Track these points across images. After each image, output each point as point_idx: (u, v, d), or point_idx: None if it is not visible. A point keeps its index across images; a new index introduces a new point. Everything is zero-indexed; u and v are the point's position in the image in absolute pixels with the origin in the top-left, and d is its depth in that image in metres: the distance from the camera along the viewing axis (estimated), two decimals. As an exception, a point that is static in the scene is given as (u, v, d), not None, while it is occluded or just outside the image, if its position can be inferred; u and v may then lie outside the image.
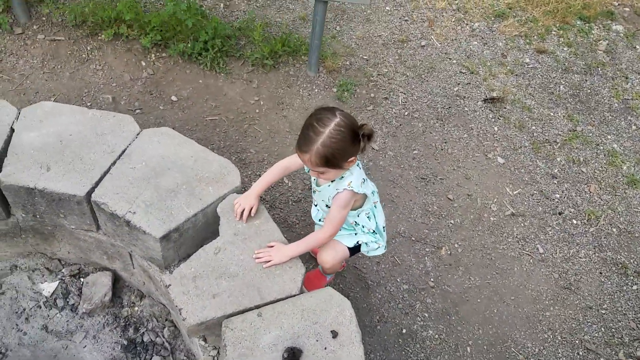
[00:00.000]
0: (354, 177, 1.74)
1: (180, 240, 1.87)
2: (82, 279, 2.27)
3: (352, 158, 1.67)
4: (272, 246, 1.80)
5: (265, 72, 3.28)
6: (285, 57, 3.35)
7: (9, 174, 1.91)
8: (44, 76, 3.08)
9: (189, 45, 3.16)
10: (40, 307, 2.22)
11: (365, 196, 1.84)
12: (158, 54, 3.27)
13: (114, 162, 1.97)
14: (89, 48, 3.23)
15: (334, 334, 1.60)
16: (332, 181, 1.77)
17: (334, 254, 1.95)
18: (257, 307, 1.64)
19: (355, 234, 1.99)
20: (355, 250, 2.00)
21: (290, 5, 3.78)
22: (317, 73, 3.31)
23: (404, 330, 2.36)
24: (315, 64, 3.26)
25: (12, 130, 2.07)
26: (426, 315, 2.42)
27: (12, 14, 3.26)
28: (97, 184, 1.90)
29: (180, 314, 1.61)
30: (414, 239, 2.66)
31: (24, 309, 2.21)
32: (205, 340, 1.77)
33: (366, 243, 2.00)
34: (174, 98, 3.08)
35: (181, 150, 2.04)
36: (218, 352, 1.76)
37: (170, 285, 1.67)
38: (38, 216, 2.02)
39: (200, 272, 1.71)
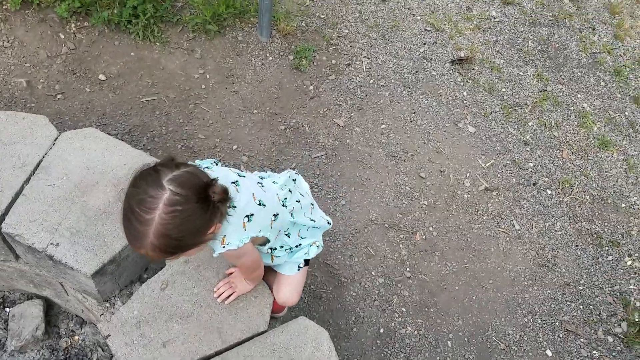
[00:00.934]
0: (229, 232, 1.27)
1: (119, 270, 1.56)
2: (7, 309, 1.93)
3: (212, 227, 1.20)
4: (229, 273, 1.53)
5: (209, 39, 2.87)
6: (232, 20, 2.93)
7: None
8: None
9: (115, 11, 2.69)
10: (-39, 346, 1.88)
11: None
12: (79, 23, 2.77)
13: (28, 179, 1.61)
14: (-8, 19, 2.70)
15: (312, 376, 1.38)
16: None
17: (291, 289, 1.57)
18: (218, 353, 1.38)
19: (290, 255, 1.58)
20: (306, 263, 1.65)
21: (231, -42, 3.30)
22: (270, 38, 2.93)
23: (382, 330, 2.18)
24: (267, 27, 2.87)
25: None
26: (404, 310, 2.25)
27: None
28: (7, 209, 1.54)
29: (126, 372, 1.33)
30: (387, 225, 2.44)
31: (-59, 350, 1.87)
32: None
33: (306, 254, 1.61)
34: (102, 77, 2.65)
35: (111, 157, 1.68)
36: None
37: (109, 335, 1.38)
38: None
39: (146, 316, 1.42)
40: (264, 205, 1.31)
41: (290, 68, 2.89)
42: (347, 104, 2.81)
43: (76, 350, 1.90)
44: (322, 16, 3.16)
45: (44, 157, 1.65)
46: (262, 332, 1.45)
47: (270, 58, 2.90)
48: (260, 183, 1.37)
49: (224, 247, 1.27)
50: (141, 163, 1.68)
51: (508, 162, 2.80)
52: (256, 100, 2.74)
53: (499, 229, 2.56)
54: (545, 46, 3.36)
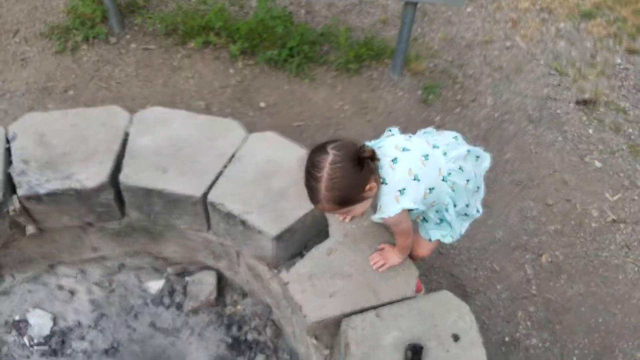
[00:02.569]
0: (384, 202, 1.54)
1: (291, 240, 1.90)
2: (186, 278, 2.35)
3: (369, 185, 1.47)
4: (382, 248, 1.80)
5: (349, 77, 3.30)
6: (369, 61, 3.36)
7: (129, 175, 2.01)
8: (139, 84, 3.23)
9: (276, 52, 3.23)
10: (148, 305, 2.31)
11: None
12: (245, 61, 3.35)
13: (226, 165, 2.03)
14: (179, 56, 3.37)
15: (456, 338, 1.57)
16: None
17: (424, 246, 1.88)
18: (374, 307, 1.64)
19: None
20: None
21: (370, 10, 3.79)
22: (401, 76, 3.30)
23: (507, 339, 2.29)
24: (400, 67, 3.25)
25: (127, 134, 2.18)
26: (529, 323, 2.34)
27: (108, 24, 3.45)
28: (211, 185, 1.96)
29: (301, 311, 1.63)
30: (512, 245, 2.58)
31: (133, 306, 2.31)
32: (316, 339, 1.78)
33: (443, 237, 1.83)
34: (262, 104, 3.15)
35: (287, 154, 2.07)
36: (331, 351, 1.77)
37: (288, 282, 1.70)
38: (152, 216, 2.11)
39: (315, 272, 1.73)
40: (419, 180, 1.54)
41: (418, 102, 3.21)
42: (472, 134, 3.04)
43: (238, 318, 2.25)
44: (449, 59, 3.49)
45: (237, 150, 2.09)
46: (409, 298, 1.68)
47: (400, 93, 3.25)
48: (427, 155, 1.59)
49: (381, 214, 1.55)
50: (310, 159, 2.06)
51: (636, 197, 2.82)
52: (386, 128, 3.07)
53: (627, 259, 2.57)
54: (675, 91, 3.37)
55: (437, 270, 2.45)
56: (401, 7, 3.58)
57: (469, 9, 3.84)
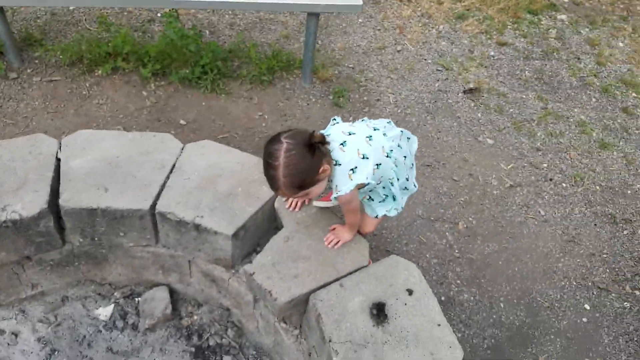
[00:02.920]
0: (338, 180, 1.71)
1: (245, 238, 2.01)
2: (136, 299, 2.33)
3: (322, 168, 1.63)
4: (333, 229, 1.97)
5: (263, 89, 3.47)
6: (280, 72, 3.55)
7: (68, 199, 1.99)
8: (49, 116, 3.13)
9: (189, 70, 3.31)
10: (101, 332, 2.26)
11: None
12: (157, 82, 3.39)
13: (168, 176, 2.09)
14: (87, 85, 3.31)
15: (410, 292, 1.78)
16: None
17: (369, 222, 2.08)
18: (337, 279, 1.80)
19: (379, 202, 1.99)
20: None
21: (271, 26, 4.00)
22: (312, 84, 3.53)
23: (443, 298, 2.56)
24: (309, 75, 3.48)
25: (58, 159, 2.15)
26: (459, 282, 2.64)
27: (5, 59, 3.30)
28: (157, 197, 2.01)
29: (271, 295, 1.74)
30: (432, 218, 2.89)
31: (84, 336, 2.25)
32: (285, 322, 1.90)
33: (387, 212, 2.02)
34: (182, 122, 3.20)
35: (226, 158, 2.18)
36: (300, 329, 1.89)
37: (254, 273, 1.80)
38: (96, 238, 2.10)
39: (277, 259, 1.85)
40: (367, 158, 1.74)
41: (331, 105, 3.46)
42: (383, 128, 3.35)
43: (196, 327, 2.28)
44: (350, 65, 3.80)
45: (176, 160, 2.15)
46: (365, 267, 1.86)
47: (314, 99, 3.49)
48: (370, 137, 1.78)
49: (337, 193, 1.73)
50: (250, 161, 2.19)
51: (525, 164, 3.29)
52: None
53: (528, 216, 2.99)
54: (540, 74, 3.97)
55: (375, 250, 2.67)
56: (298, 23, 3.86)
57: (360, 20, 4.20)
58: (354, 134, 1.77)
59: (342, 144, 1.74)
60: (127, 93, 3.31)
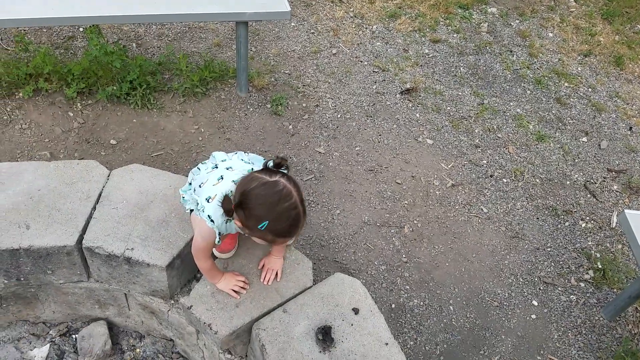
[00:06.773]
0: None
1: (182, 267, 1.91)
2: (73, 336, 2.18)
3: None
4: (262, 265, 1.88)
5: (198, 101, 3.35)
6: (213, 83, 3.44)
7: (-15, 241, 1.83)
8: (-36, 146, 2.90)
9: (116, 87, 3.14)
10: (34, 376, 2.11)
11: None
12: (83, 102, 3.20)
13: (94, 207, 1.96)
14: (8, 109, 3.09)
15: (356, 311, 1.75)
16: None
17: None
18: (280, 305, 1.74)
19: None
20: None
21: (201, 35, 3.88)
22: (248, 93, 3.44)
23: (393, 305, 2.55)
24: (245, 84, 3.39)
25: (-29, 198, 1.97)
26: (407, 287, 2.63)
27: None
28: (84, 230, 1.88)
29: (211, 328, 1.65)
30: (378, 224, 2.87)
31: (17, 383, 2.09)
32: (230, 353, 1.82)
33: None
34: (112, 142, 3.04)
35: (157, 182, 2.07)
36: (245, 359, 1.82)
37: (191, 306, 1.71)
38: (22, 279, 1.94)
39: (216, 288, 1.77)
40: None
41: (269, 114, 3.39)
42: (323, 135, 3.31)
43: (139, 361, 2.16)
44: (287, 71, 3.73)
45: (102, 189, 2.02)
46: (309, 287, 1.81)
47: (251, 109, 3.40)
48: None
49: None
50: (183, 184, 2.08)
51: (466, 162, 3.34)
52: (246, 143, 3.20)
53: (471, 214, 3.04)
54: (475, 70, 4.05)
55: (323, 261, 2.63)
56: (230, 30, 3.76)
57: (292, 24, 4.14)
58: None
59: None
60: (53, 115, 3.10)
